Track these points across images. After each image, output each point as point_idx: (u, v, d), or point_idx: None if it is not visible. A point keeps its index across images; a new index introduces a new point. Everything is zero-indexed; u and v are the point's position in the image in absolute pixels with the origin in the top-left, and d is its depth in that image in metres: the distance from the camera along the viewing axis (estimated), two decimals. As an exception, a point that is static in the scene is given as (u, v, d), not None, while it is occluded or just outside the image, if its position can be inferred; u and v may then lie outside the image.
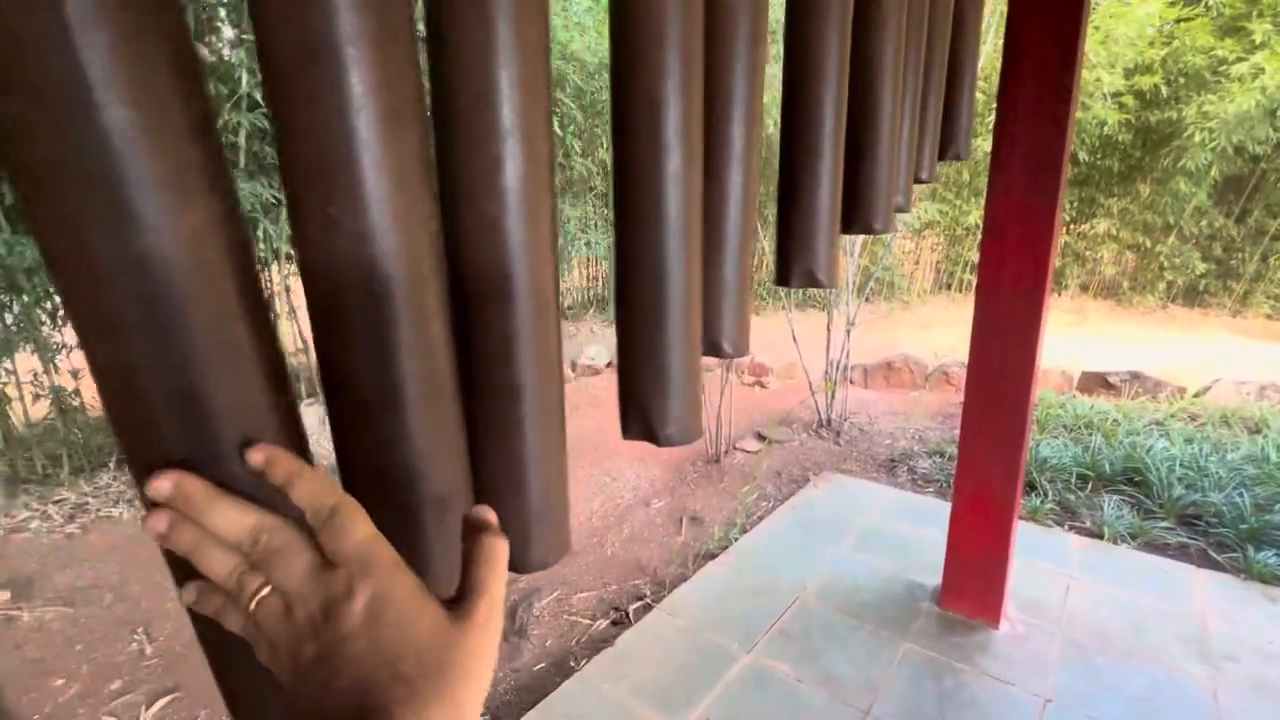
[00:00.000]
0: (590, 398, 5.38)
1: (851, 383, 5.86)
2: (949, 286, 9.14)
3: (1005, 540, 2.39)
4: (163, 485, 0.32)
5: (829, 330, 4.62)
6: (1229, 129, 6.24)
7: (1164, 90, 6.76)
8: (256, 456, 0.33)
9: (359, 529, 0.33)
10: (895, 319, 8.34)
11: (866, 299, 8.69)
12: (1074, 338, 7.32)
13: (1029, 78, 2.04)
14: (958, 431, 2.43)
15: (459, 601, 0.34)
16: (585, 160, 6.45)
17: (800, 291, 8.25)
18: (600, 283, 8.00)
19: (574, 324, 7.58)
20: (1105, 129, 7.39)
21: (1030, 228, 2.14)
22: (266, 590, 0.32)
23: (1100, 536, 3.07)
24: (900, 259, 8.89)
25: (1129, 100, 7.07)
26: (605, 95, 6.12)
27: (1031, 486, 3.52)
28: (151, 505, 0.32)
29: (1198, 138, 6.49)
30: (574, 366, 6.08)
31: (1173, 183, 7.22)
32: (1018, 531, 2.43)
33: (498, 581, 0.35)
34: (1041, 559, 2.84)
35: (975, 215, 7.58)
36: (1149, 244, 7.96)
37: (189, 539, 0.32)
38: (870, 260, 7.93)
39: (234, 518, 0.32)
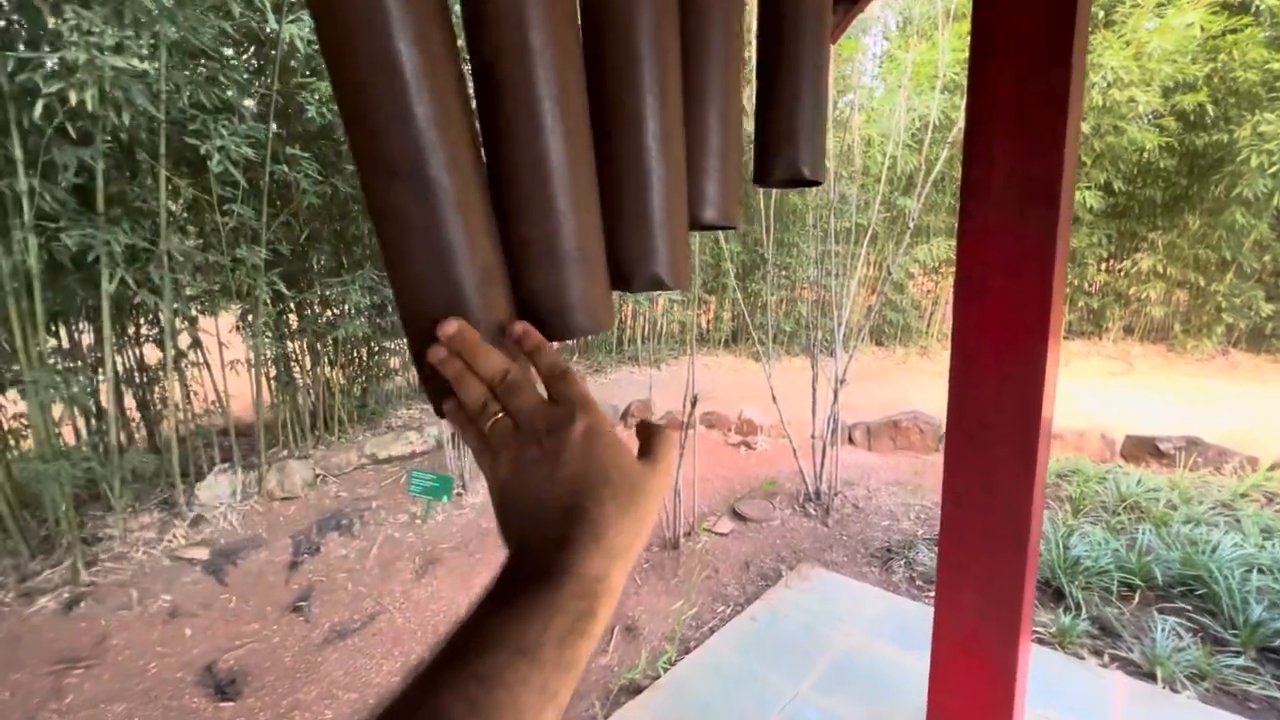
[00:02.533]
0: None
1: (852, 443, 5.16)
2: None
3: (1009, 683, 1.68)
4: (449, 326, 0.41)
5: (814, 387, 3.98)
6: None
7: (1210, 110, 6.01)
8: (518, 328, 0.44)
9: (581, 386, 0.43)
10: (910, 366, 7.58)
11: (879, 342, 8.00)
12: (1118, 390, 6.45)
13: (1005, 73, 1.46)
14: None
15: (644, 456, 0.44)
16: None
17: (787, 337, 7.58)
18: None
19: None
20: (1144, 154, 6.65)
21: (1021, 278, 1.52)
22: (502, 415, 0.42)
23: (1152, 677, 2.31)
24: (917, 298, 8.17)
25: (1170, 123, 6.33)
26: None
27: (1059, 596, 2.77)
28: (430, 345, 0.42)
29: (1254, 161, 5.69)
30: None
31: (1226, 213, 6.39)
32: (1033, 666, 1.73)
33: (671, 450, 0.46)
34: (1069, 711, 2.11)
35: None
36: (1202, 282, 7.07)
37: (456, 369, 0.42)
38: (886, 300, 7.26)
39: (491, 359, 0.42)
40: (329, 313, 4.60)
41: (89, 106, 2.22)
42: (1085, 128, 5.96)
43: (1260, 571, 2.74)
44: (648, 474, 0.41)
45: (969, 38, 1.50)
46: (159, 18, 2.54)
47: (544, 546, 0.36)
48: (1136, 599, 2.75)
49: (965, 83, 1.56)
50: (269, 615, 2.95)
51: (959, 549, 1.69)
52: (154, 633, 2.82)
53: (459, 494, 3.99)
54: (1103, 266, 7.97)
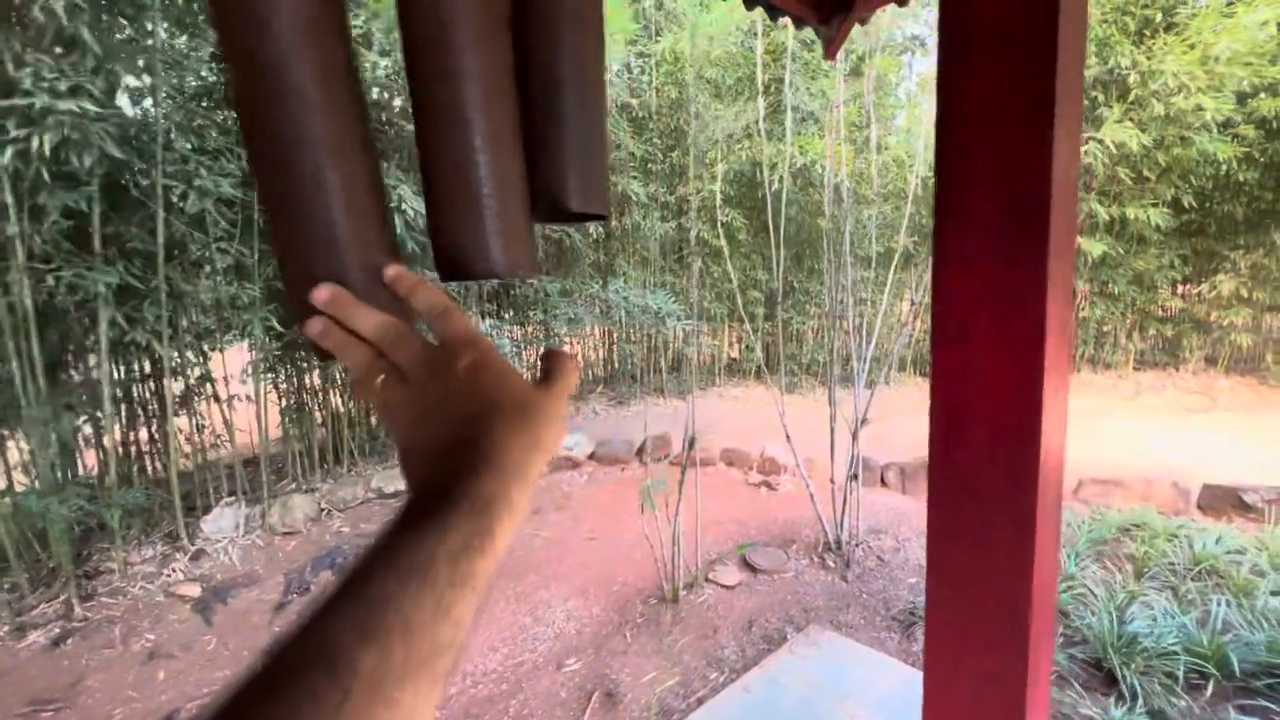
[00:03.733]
0: (559, 499, 4.63)
1: (884, 485, 4.76)
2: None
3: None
4: (322, 293, 0.42)
5: (832, 425, 3.67)
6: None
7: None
8: (390, 272, 0.44)
9: (463, 321, 0.44)
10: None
11: (924, 372, 7.46)
12: (1196, 430, 5.75)
13: (980, 72, 1.22)
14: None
15: (543, 381, 0.45)
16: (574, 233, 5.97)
17: (821, 368, 7.19)
18: (605, 359, 7.36)
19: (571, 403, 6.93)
20: (1221, 167, 6.03)
21: (1010, 316, 1.26)
22: (387, 372, 0.42)
23: (1226, 794, 1.89)
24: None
25: (1249, 131, 5.72)
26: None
27: (1110, 681, 2.36)
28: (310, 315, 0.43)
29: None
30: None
31: (1322, 230, 5.70)
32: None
33: (567, 371, 0.46)
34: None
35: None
36: (1298, 306, 6.30)
37: (337, 339, 0.42)
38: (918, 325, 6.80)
39: (370, 319, 0.42)
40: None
41: (45, 151, 2.27)
42: (1147, 140, 5.46)
43: (1370, 662, 2.25)
44: (539, 394, 0.43)
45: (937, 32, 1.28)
46: (171, 64, 2.60)
47: (438, 479, 0.37)
48: (1210, 690, 2.31)
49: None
50: (244, 660, 2.86)
51: (948, 641, 1.40)
52: (130, 674, 2.77)
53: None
54: (1178, 290, 7.25)
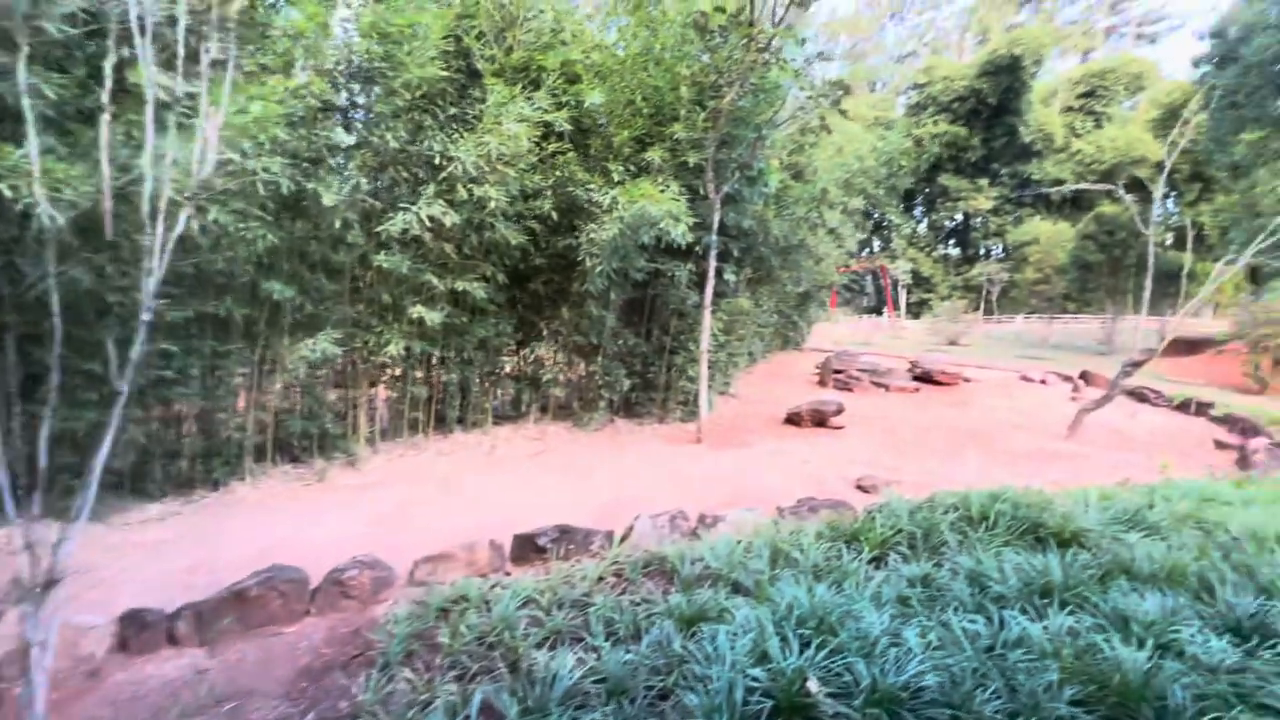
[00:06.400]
0: None
1: (174, 643, 3.27)
2: (417, 428, 7.61)
3: None
4: None
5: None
6: (606, 255, 6.72)
7: (556, 217, 7.03)
8: None
9: None
10: (334, 483, 6.20)
11: (295, 459, 6.39)
12: (531, 472, 6.60)
13: None
14: None
15: None
16: None
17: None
18: None
19: None
20: (527, 252, 7.35)
21: None
22: None
23: None
24: (333, 399, 6.93)
25: (534, 225, 7.12)
26: None
27: None
28: None
29: (589, 263, 6.85)
30: None
31: (586, 305, 7.58)
32: None
33: None
34: None
35: (396, 347, 6.25)
36: (585, 365, 8.27)
37: None
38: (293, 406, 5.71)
39: None
40: None
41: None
42: (458, 218, 6.01)
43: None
44: None
45: None
46: None
47: None
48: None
49: None
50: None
51: None
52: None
53: None
54: (517, 353, 8.55)
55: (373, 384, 7.28)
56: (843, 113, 10.98)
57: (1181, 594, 3.32)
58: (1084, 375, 14.10)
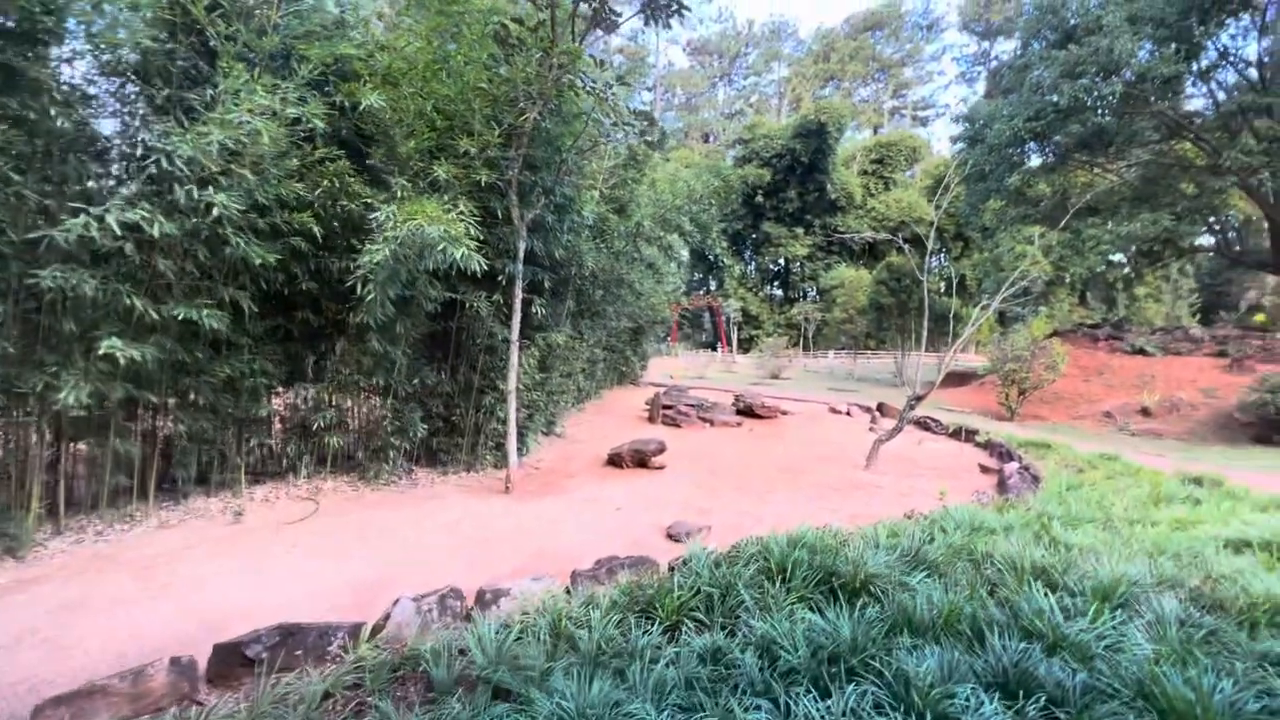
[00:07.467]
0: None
1: None
2: (131, 496, 5.85)
3: None
4: None
5: None
6: (382, 281, 5.76)
7: (321, 234, 5.91)
8: None
9: None
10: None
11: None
12: (283, 545, 5.29)
13: None
14: None
15: None
16: None
17: None
18: None
19: None
20: (291, 275, 6.10)
21: None
22: None
23: None
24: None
25: (301, 243, 5.94)
26: None
27: None
28: None
29: (364, 291, 5.83)
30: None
31: (368, 340, 6.48)
32: None
33: None
34: None
35: (77, 393, 4.66)
36: (374, 408, 7.09)
37: None
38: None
39: None
40: None
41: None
42: (173, 228, 4.70)
43: None
44: None
45: None
46: None
47: None
48: None
49: None
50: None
51: None
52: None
53: None
54: (279, 397, 7.10)
55: (58, 441, 5.48)
56: (659, 148, 11.05)
57: (958, 644, 3.25)
58: (880, 407, 15.50)
